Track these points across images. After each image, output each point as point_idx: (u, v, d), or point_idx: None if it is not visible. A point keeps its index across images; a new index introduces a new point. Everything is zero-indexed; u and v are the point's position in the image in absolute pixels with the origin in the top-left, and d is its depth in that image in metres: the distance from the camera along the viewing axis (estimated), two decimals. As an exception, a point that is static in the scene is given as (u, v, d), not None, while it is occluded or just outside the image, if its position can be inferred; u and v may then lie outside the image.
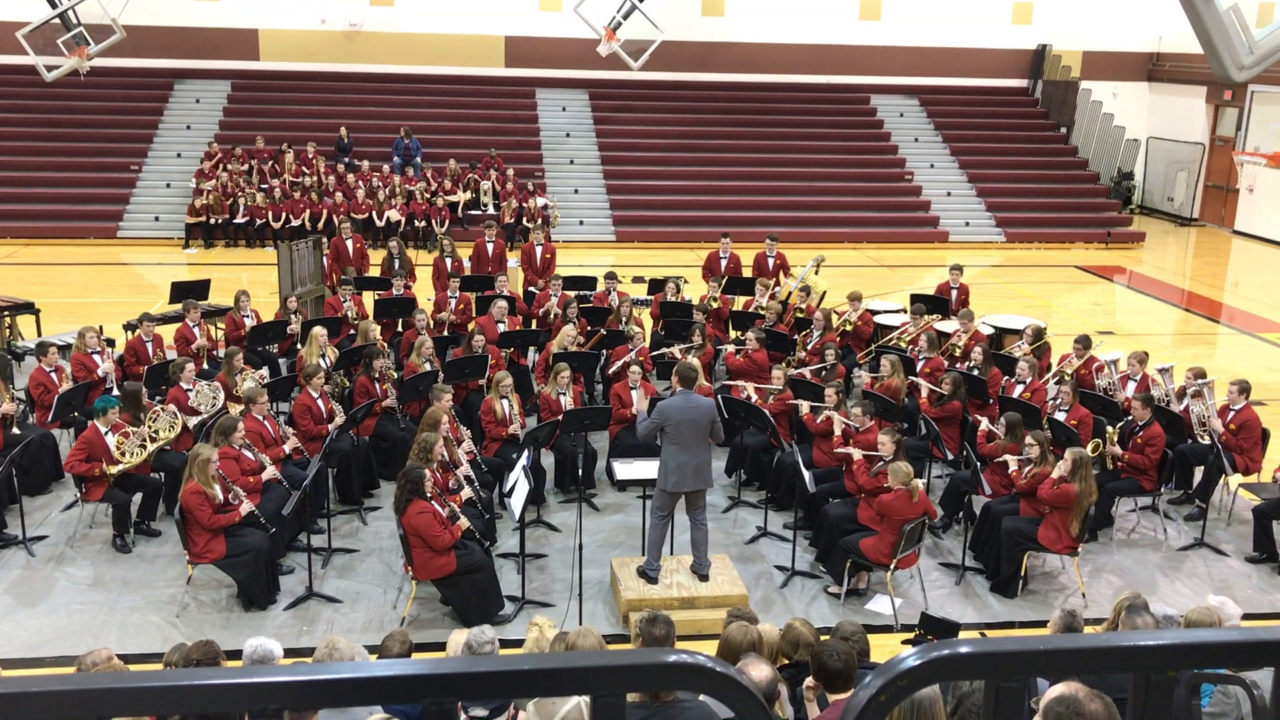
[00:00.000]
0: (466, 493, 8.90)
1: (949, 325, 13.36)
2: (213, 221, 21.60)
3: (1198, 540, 9.90)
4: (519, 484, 8.31)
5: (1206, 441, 10.35)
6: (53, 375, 10.67)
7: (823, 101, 27.64)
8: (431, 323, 13.05)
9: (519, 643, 7.26)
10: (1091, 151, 27.93)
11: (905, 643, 8.10)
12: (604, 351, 12.31)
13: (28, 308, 14.22)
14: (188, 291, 13.74)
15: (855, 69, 27.98)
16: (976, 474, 9.41)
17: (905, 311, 14.30)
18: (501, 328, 12.54)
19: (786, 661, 5.73)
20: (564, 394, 10.61)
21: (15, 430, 10.16)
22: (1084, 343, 11.87)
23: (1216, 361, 15.40)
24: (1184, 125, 28.14)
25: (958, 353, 12.40)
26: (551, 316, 13.41)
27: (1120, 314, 19.22)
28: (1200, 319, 18.89)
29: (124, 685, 1.37)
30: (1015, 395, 10.96)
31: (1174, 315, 19.18)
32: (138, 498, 9.51)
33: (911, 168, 26.13)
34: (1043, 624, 8.24)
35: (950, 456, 10.63)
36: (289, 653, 7.69)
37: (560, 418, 10.01)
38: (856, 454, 9.22)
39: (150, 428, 9.55)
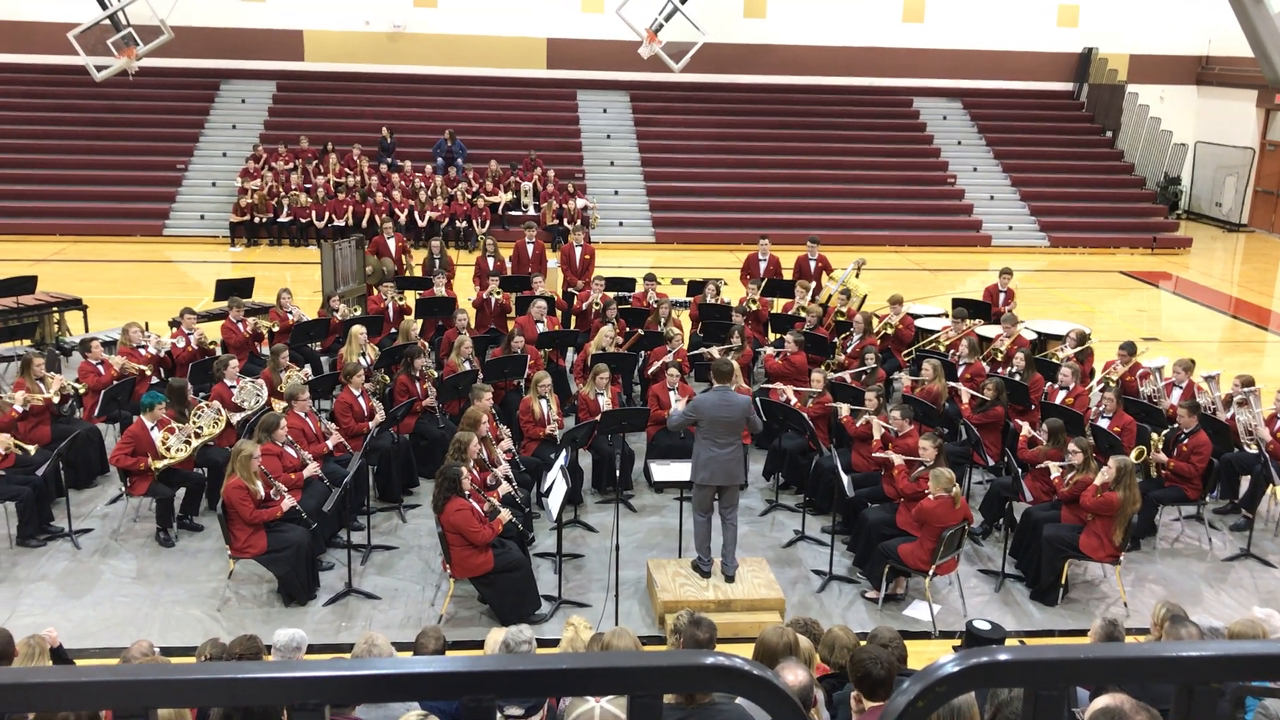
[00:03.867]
0: (505, 488, 8.95)
1: (991, 330, 13.24)
2: (257, 220, 21.86)
3: (1243, 550, 9.75)
4: (557, 484, 8.34)
5: (1253, 450, 10.19)
6: (99, 368, 10.87)
7: (865, 104, 27.48)
8: (472, 322, 13.11)
9: (555, 642, 7.29)
10: (1138, 156, 27.56)
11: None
12: (642, 353, 12.32)
13: (75, 304, 14.46)
14: (232, 289, 13.92)
15: (898, 71, 27.80)
16: (1018, 480, 9.31)
17: (947, 316, 14.19)
18: (540, 328, 12.59)
19: (828, 670, 5.69)
20: (602, 394, 10.63)
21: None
22: (1129, 349, 11.72)
23: (1264, 369, 15.15)
24: (1233, 129, 27.68)
25: (1000, 357, 12.29)
26: (592, 312, 13.45)
27: (1166, 320, 18.95)
28: (1248, 326, 18.58)
29: (170, 677, 1.40)
30: (1057, 401, 10.84)
31: (1221, 322, 18.89)
32: (181, 492, 9.65)
33: (954, 171, 25.92)
34: (1083, 633, 8.14)
35: (991, 462, 10.53)
36: (329, 648, 7.78)
37: (598, 418, 10.04)
38: (897, 459, 9.15)
39: (195, 423, 9.68)
